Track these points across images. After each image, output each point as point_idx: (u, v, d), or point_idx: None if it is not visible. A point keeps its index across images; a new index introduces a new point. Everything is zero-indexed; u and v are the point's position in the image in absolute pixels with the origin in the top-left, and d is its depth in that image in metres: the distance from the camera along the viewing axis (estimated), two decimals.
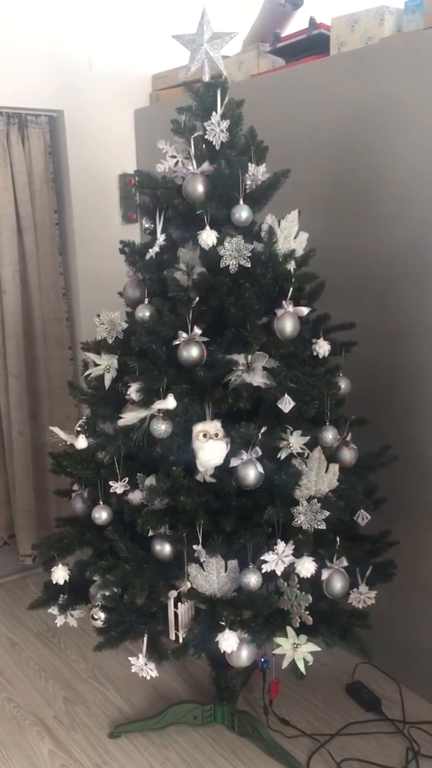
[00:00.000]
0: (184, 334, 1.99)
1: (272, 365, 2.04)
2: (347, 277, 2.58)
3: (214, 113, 2.08)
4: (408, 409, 2.51)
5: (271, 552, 1.95)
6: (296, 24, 3.03)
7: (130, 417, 2.10)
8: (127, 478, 2.13)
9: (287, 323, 2.01)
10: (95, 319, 2.26)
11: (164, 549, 2.05)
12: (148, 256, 2.18)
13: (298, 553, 1.97)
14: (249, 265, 2.03)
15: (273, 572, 1.95)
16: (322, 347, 2.11)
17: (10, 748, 2.44)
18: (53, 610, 2.33)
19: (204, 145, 2.12)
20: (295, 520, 1.98)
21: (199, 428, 1.99)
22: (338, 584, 2.00)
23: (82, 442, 2.21)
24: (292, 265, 2.09)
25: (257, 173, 2.10)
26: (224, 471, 1.99)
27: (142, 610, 2.13)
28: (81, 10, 3.30)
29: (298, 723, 2.50)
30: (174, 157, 2.16)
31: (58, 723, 2.56)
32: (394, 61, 2.35)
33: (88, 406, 2.32)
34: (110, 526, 2.16)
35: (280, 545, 1.95)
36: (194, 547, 2.01)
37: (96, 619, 2.21)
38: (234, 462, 1.96)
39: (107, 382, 2.25)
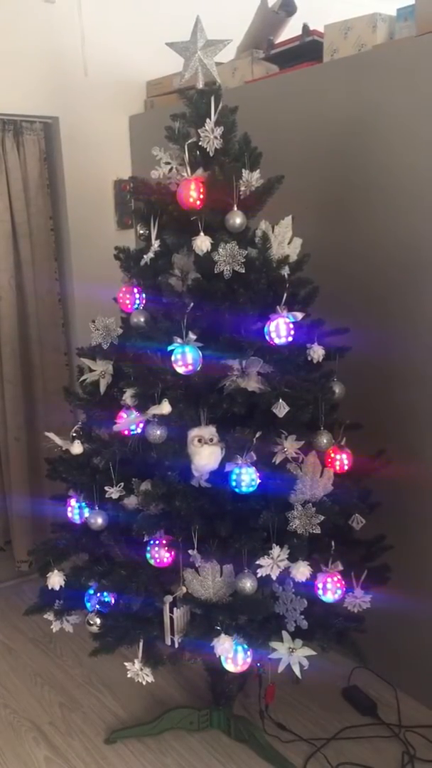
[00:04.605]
0: (179, 340, 1.99)
1: (267, 370, 2.05)
2: (341, 283, 2.59)
3: (207, 120, 2.09)
4: (402, 414, 2.51)
5: (266, 556, 1.95)
6: (290, 31, 3.05)
7: (125, 422, 2.10)
8: (122, 483, 2.14)
9: (281, 328, 2.02)
10: (90, 324, 2.27)
11: (160, 554, 2.05)
12: (142, 262, 2.19)
13: (293, 558, 1.97)
14: (243, 271, 2.04)
15: (268, 577, 1.96)
16: (317, 352, 2.12)
17: (6, 754, 2.44)
18: (49, 615, 2.33)
19: (198, 152, 2.13)
20: (290, 524, 1.99)
21: (194, 433, 2.00)
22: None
23: (77, 448, 2.22)
24: (286, 271, 2.10)
25: (251, 179, 2.10)
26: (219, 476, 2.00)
27: (138, 615, 2.14)
28: (76, 17, 3.31)
29: (294, 727, 2.50)
30: (168, 163, 2.17)
31: (54, 729, 2.55)
32: (386, 68, 2.37)
33: (84, 412, 2.33)
34: (106, 531, 2.16)
35: (276, 550, 1.95)
36: (189, 551, 2.01)
37: (92, 625, 2.21)
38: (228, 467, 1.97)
39: (102, 388, 2.26)
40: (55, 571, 2.24)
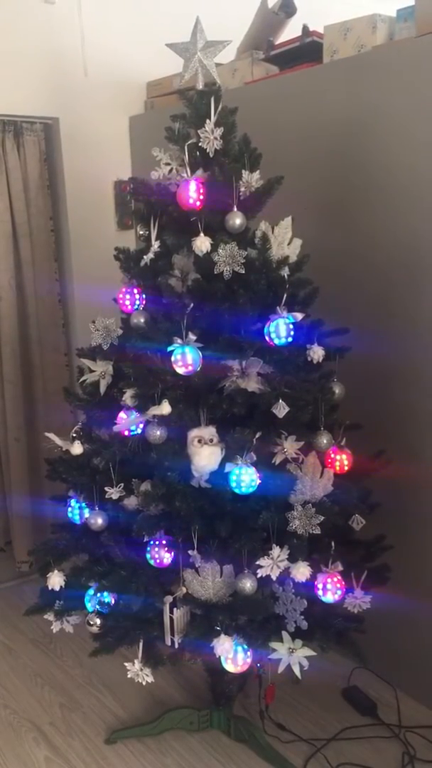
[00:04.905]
0: (179, 340, 2.00)
1: (266, 371, 2.05)
2: (341, 283, 2.60)
3: (207, 121, 2.09)
4: (402, 414, 2.52)
5: (266, 557, 1.95)
6: (289, 32, 3.05)
7: (125, 423, 2.11)
8: (122, 484, 2.14)
9: (281, 329, 2.02)
10: (90, 325, 2.27)
11: (160, 554, 2.05)
12: (142, 263, 2.19)
13: (293, 558, 1.97)
14: (243, 272, 2.04)
15: (268, 577, 1.96)
16: (316, 353, 2.12)
17: (6, 754, 2.44)
18: (49, 616, 2.33)
19: (198, 153, 2.13)
20: (290, 525, 1.99)
21: (194, 434, 2.00)
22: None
23: (77, 448, 2.22)
24: (285, 271, 2.10)
25: (251, 180, 2.11)
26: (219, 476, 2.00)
27: (138, 616, 2.14)
28: (76, 18, 3.32)
29: (294, 728, 2.50)
30: (168, 164, 2.17)
31: (54, 729, 2.56)
32: (386, 69, 2.37)
33: (84, 412, 2.33)
34: (106, 531, 2.16)
35: (275, 550, 1.95)
36: (189, 552, 2.01)
37: (92, 625, 2.21)
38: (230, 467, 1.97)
39: (102, 388, 2.26)
40: (56, 572, 2.25)
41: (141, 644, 2.17)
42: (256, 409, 2.05)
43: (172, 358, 1.99)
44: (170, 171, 2.17)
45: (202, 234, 2.04)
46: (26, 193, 3.34)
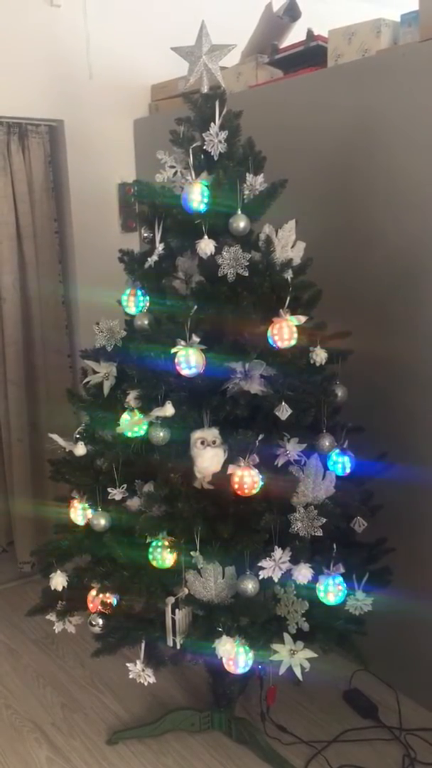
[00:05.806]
0: (183, 342, 2.00)
1: (269, 373, 2.05)
2: (344, 286, 2.60)
3: (212, 124, 2.10)
4: (404, 417, 2.52)
5: (268, 558, 1.96)
6: (294, 36, 3.06)
7: (128, 424, 2.11)
8: (125, 485, 2.15)
9: (284, 331, 2.03)
10: (94, 327, 2.28)
11: (162, 555, 2.06)
12: (146, 265, 2.20)
13: (295, 560, 1.98)
14: (247, 274, 2.05)
15: (270, 578, 1.97)
16: (319, 355, 2.12)
17: (8, 754, 2.45)
18: (51, 616, 2.34)
19: (202, 156, 2.14)
20: (292, 526, 2.00)
21: (197, 435, 2.01)
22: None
23: (80, 449, 2.23)
24: (289, 274, 2.11)
25: (255, 183, 2.12)
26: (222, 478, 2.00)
27: (140, 616, 2.14)
28: (81, 21, 3.33)
29: (295, 730, 2.50)
30: (173, 167, 2.18)
31: (56, 730, 2.56)
32: (390, 73, 2.38)
33: (87, 414, 2.34)
34: (108, 532, 2.17)
35: (277, 552, 1.96)
36: (192, 553, 2.02)
37: (94, 626, 2.22)
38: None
39: (106, 390, 2.27)
40: (58, 572, 2.25)
41: (143, 645, 2.18)
42: (258, 412, 2.06)
43: (176, 360, 1.99)
44: (175, 174, 2.18)
45: (206, 236, 2.05)
46: (31, 195, 3.35)
